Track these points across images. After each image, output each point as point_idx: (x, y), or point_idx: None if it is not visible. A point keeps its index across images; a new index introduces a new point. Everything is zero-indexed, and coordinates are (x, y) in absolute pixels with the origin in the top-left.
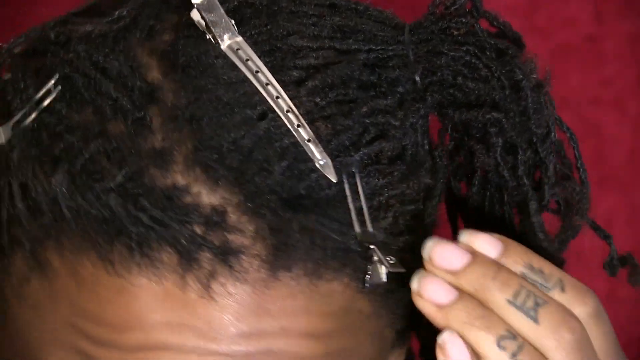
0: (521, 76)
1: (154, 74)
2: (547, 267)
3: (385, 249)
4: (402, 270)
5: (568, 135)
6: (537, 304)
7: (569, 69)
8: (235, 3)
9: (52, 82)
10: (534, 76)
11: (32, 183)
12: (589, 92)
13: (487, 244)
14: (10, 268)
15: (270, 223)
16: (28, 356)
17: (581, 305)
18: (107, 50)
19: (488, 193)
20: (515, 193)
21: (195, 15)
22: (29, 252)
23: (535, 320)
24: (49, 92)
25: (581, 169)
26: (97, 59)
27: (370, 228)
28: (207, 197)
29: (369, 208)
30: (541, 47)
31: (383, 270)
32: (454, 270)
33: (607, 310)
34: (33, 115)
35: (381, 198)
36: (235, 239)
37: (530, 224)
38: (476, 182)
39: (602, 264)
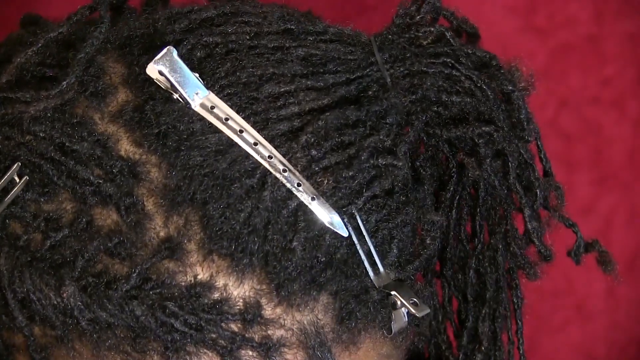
0: (511, 88)
1: (126, 146)
2: None
3: (402, 289)
4: (428, 310)
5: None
6: None
7: (569, 69)
8: (189, 47)
9: (15, 170)
10: (522, 84)
11: (36, 296)
12: (589, 92)
13: None
14: None
15: (303, 309)
16: None
17: None
18: (68, 129)
19: (458, 197)
20: (504, 202)
21: (152, 72)
22: None
23: None
24: (11, 181)
25: (544, 160)
26: (60, 140)
27: (381, 267)
28: (235, 289)
29: (375, 246)
30: (541, 47)
31: (404, 312)
32: None
33: (607, 310)
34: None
35: (384, 231)
36: (274, 332)
37: (508, 231)
38: (450, 188)
39: (597, 262)
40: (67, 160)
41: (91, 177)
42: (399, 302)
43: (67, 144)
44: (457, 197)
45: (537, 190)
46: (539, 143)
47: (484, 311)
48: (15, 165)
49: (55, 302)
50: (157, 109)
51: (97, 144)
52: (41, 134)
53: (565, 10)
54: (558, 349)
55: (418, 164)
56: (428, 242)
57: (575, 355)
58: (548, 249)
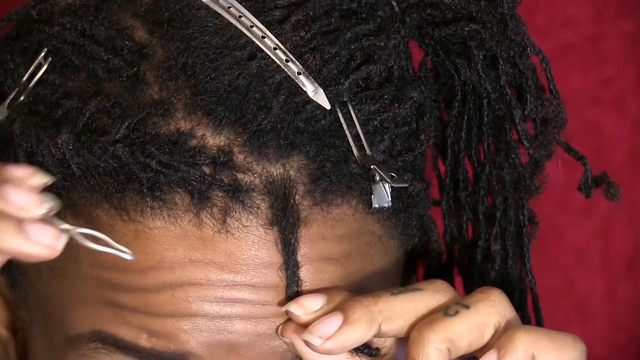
0: None
1: (140, 34)
2: None
3: (386, 168)
4: (405, 184)
5: (540, 57)
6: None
7: (569, 69)
8: None
9: (42, 55)
10: None
11: (38, 148)
12: (589, 92)
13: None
14: None
15: (275, 162)
16: (54, 318)
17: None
18: (91, 18)
19: (466, 117)
20: (497, 107)
21: None
22: None
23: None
24: (39, 66)
25: (554, 90)
26: (82, 27)
27: (368, 152)
28: (212, 139)
29: (365, 134)
30: (541, 47)
31: (387, 189)
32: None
33: (607, 310)
34: (27, 91)
35: (376, 122)
36: (244, 177)
37: (508, 143)
38: (456, 105)
39: (601, 262)
40: (85, 42)
41: (102, 54)
42: (377, 176)
43: (87, 30)
44: (465, 117)
45: (528, 95)
46: (548, 74)
47: (494, 230)
48: (44, 51)
49: (53, 151)
50: (170, 0)
51: (115, 30)
52: (68, 25)
53: (565, 10)
54: None
55: (421, 74)
56: (422, 137)
57: None
58: (537, 150)
